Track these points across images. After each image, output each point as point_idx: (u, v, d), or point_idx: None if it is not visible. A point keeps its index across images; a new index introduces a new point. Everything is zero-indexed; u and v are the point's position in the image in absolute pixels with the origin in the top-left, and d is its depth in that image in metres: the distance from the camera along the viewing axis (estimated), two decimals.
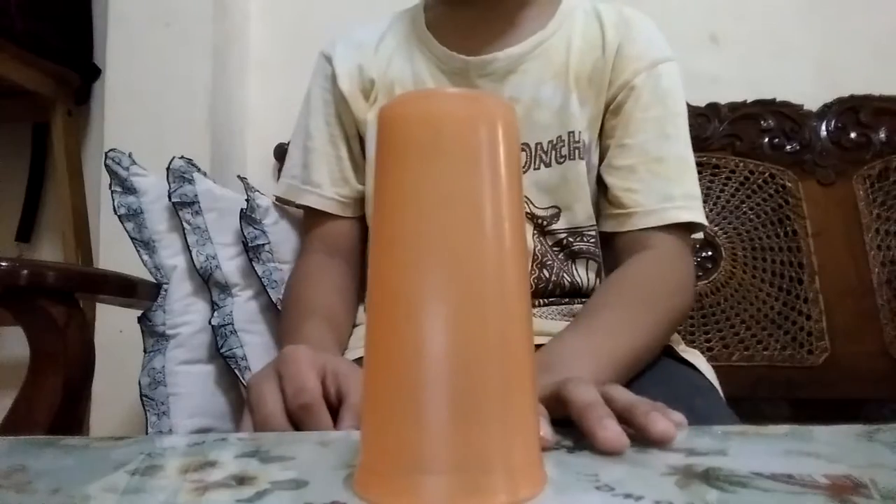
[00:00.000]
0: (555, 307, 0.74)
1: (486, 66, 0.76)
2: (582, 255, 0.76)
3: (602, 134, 0.76)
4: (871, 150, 1.15)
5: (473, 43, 0.77)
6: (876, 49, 1.27)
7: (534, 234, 0.75)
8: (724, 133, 1.19)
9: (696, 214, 0.73)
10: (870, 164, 1.15)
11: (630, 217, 0.72)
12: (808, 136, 1.17)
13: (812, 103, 1.20)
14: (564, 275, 0.75)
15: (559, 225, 0.75)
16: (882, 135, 1.15)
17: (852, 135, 1.16)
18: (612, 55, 0.75)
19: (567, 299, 0.75)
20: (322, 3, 1.42)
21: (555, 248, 0.75)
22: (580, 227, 0.75)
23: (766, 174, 1.17)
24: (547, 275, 0.75)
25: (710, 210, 1.15)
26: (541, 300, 0.74)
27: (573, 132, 0.74)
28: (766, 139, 1.18)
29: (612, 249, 0.76)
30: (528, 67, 0.75)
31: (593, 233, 0.76)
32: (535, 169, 0.75)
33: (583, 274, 0.76)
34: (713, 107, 1.20)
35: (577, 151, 0.74)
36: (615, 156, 0.74)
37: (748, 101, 1.20)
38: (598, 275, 0.77)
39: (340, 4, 1.39)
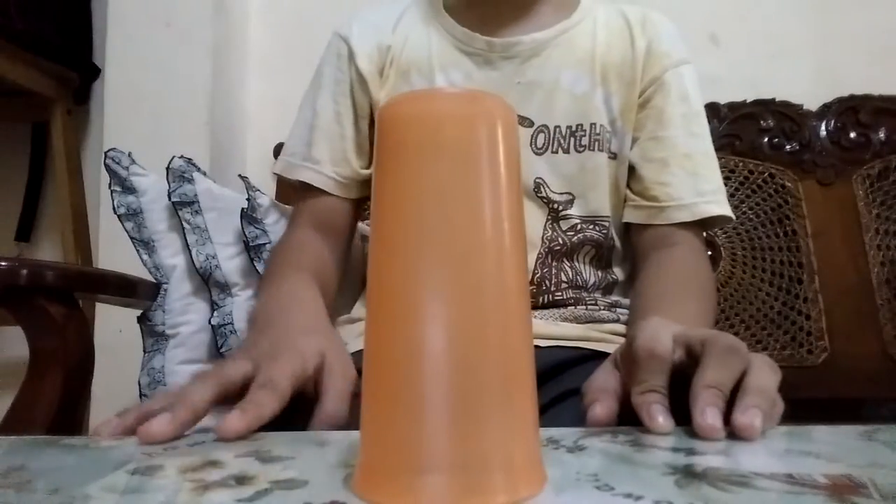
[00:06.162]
0: (556, 310, 0.74)
1: (510, 49, 0.76)
2: (589, 243, 0.77)
3: (633, 127, 0.78)
4: (870, 150, 1.15)
5: (493, 27, 0.78)
6: (876, 49, 1.27)
7: (547, 220, 0.76)
8: (723, 133, 1.19)
9: (725, 208, 0.76)
10: (869, 164, 1.15)
11: (662, 211, 0.74)
12: (807, 135, 1.17)
13: (812, 103, 1.20)
14: (565, 261, 0.76)
15: (573, 211, 0.76)
16: (882, 135, 1.16)
17: (852, 135, 1.17)
18: (642, 51, 0.77)
19: (569, 299, 0.75)
20: (321, 3, 1.42)
21: (569, 233, 0.76)
22: (593, 217, 0.77)
23: (766, 174, 1.17)
24: (553, 262, 0.75)
25: None
26: (543, 298, 0.75)
27: (595, 124, 0.76)
28: (766, 139, 1.18)
29: (635, 241, 0.77)
30: (550, 53, 0.77)
31: (606, 223, 0.77)
32: (552, 152, 0.76)
33: (584, 265, 0.77)
34: (713, 107, 1.20)
35: (597, 143, 0.75)
36: (649, 148, 0.76)
37: (748, 101, 1.21)
38: (597, 266, 0.78)
39: (340, 4, 1.39)
